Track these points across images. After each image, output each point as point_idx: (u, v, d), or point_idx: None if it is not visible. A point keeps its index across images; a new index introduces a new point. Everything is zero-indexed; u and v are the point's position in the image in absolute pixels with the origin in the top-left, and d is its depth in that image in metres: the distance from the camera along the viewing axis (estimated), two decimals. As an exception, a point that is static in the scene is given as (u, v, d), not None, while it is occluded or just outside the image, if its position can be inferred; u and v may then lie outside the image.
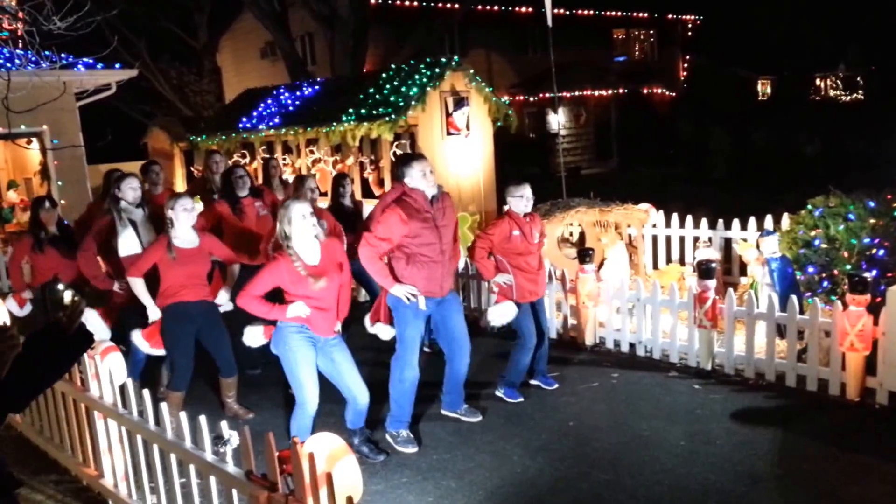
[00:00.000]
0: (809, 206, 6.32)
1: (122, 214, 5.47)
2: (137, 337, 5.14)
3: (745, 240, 7.65)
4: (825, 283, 5.99)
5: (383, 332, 5.08)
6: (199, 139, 14.19)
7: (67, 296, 2.33)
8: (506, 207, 5.51)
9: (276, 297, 4.40)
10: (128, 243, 5.46)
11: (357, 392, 4.53)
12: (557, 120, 21.16)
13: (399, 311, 4.89)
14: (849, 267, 5.84)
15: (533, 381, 5.82)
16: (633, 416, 5.20)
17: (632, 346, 6.52)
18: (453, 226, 4.98)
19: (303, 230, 4.23)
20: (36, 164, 13.13)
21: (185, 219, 4.99)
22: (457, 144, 11.15)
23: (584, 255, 6.66)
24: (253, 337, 4.64)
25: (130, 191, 5.55)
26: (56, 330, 2.25)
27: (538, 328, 5.61)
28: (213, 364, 5.39)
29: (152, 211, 5.71)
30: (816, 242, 6.09)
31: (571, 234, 8.75)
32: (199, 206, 5.24)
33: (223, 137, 13.50)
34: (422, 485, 4.41)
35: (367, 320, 5.18)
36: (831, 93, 34.28)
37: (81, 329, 2.33)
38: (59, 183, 11.89)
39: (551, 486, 4.32)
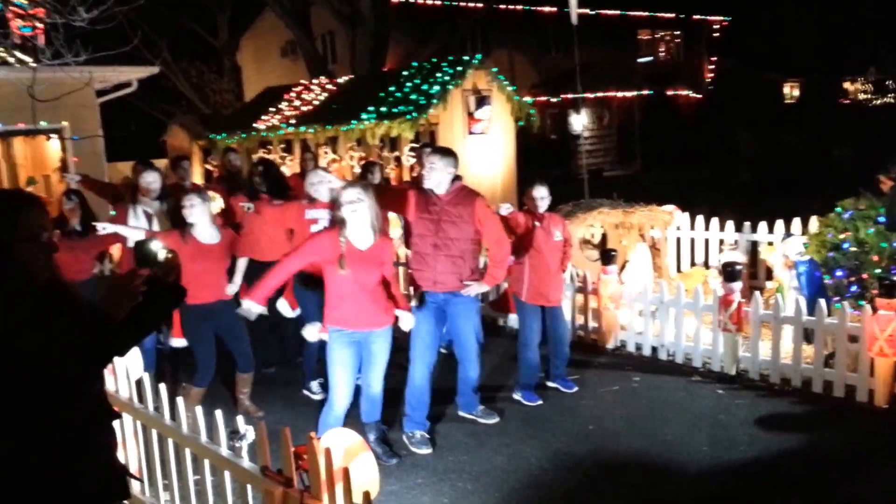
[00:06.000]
0: (839, 209, 6.16)
1: (137, 207, 5.53)
2: (175, 341, 5.28)
3: (770, 244, 7.51)
4: (854, 287, 5.84)
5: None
6: (218, 137, 14.24)
7: (162, 253, 2.43)
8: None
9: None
10: (137, 235, 5.45)
11: (372, 381, 4.58)
12: (580, 121, 21.01)
13: (413, 311, 4.88)
14: (878, 271, 5.69)
15: (551, 384, 5.73)
16: (654, 420, 5.10)
17: (654, 349, 6.41)
18: (464, 225, 4.78)
19: (351, 219, 4.29)
20: (55, 161, 13.20)
21: (196, 214, 4.98)
22: (478, 143, 11.09)
23: (606, 256, 6.57)
24: (310, 333, 4.76)
25: (151, 185, 5.60)
26: (156, 284, 2.38)
27: (554, 333, 5.57)
28: (227, 362, 5.37)
29: (174, 205, 5.73)
30: (845, 246, 5.94)
31: (593, 236, 8.65)
32: (203, 204, 5.21)
33: (242, 136, 13.53)
34: (437, 486, 4.34)
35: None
36: (860, 96, 33.78)
37: (176, 284, 2.47)
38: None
39: (568, 490, 4.23)
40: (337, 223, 4.39)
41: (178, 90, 23.06)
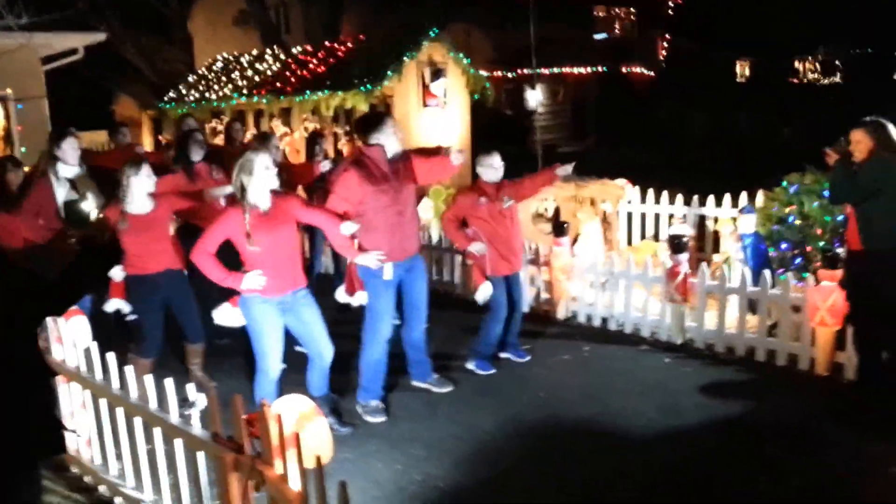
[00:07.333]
0: (785, 183, 6.33)
1: (59, 174, 5.35)
2: (112, 303, 5.12)
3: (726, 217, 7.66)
4: (798, 260, 6.02)
5: (363, 299, 5.04)
6: (168, 107, 13.93)
7: (93, 214, 2.42)
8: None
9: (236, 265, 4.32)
10: (88, 207, 5.32)
11: (323, 348, 4.50)
12: (535, 97, 21.05)
13: (369, 282, 4.83)
14: (822, 243, 5.87)
15: (504, 354, 5.79)
16: (603, 388, 5.21)
17: (604, 320, 6.52)
18: (413, 186, 4.90)
19: (263, 181, 4.17)
20: (-1, 129, 12.77)
21: (145, 185, 4.81)
22: (433, 116, 11.05)
23: (559, 228, 6.64)
24: (224, 316, 4.53)
25: (71, 150, 5.44)
26: (90, 244, 2.34)
27: (511, 300, 5.60)
28: (180, 332, 5.31)
29: (95, 169, 5.61)
30: (791, 219, 6.11)
31: (546, 210, 8.72)
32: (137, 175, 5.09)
33: (193, 105, 13.26)
34: (391, 454, 4.38)
35: (340, 292, 5.11)
36: (810, 76, 34.58)
37: (111, 243, 2.42)
38: (23, 149, 11.56)
39: (520, 457, 4.31)
40: (239, 194, 4.19)
41: (127, 59, 22.38)
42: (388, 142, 4.75)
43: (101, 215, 2.48)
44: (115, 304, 5.20)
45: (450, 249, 7.69)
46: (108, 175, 5.64)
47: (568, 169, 5.45)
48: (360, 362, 4.95)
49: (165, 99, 14.48)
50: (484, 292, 5.41)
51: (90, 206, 2.46)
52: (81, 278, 2.41)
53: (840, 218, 5.87)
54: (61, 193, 5.37)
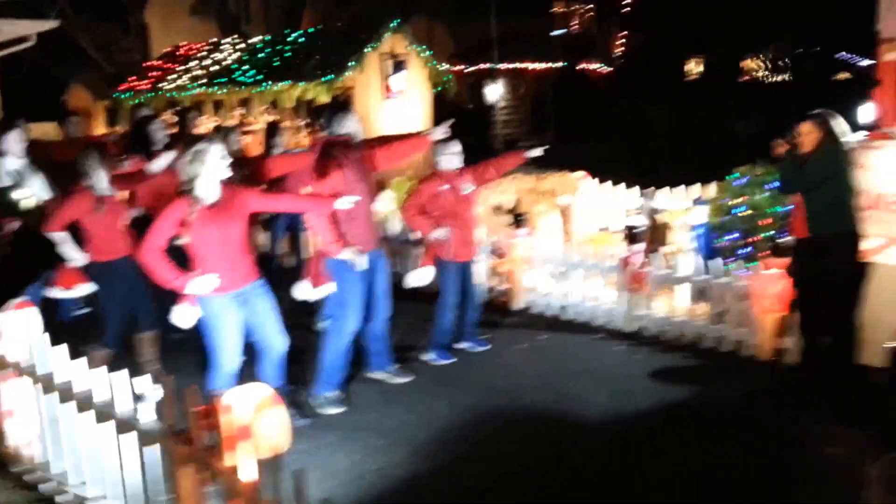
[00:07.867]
0: (736, 175, 6.49)
1: (4, 167, 5.26)
2: (53, 291, 5.01)
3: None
4: (747, 249, 6.18)
5: (327, 290, 5.01)
6: (123, 97, 13.68)
7: (24, 202, 2.33)
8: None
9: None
10: (20, 195, 5.25)
11: (276, 340, 4.41)
12: (496, 91, 21.12)
13: (342, 274, 4.79)
14: (770, 233, 6.04)
15: (462, 344, 5.83)
16: (559, 375, 5.30)
17: (561, 309, 6.62)
18: (369, 170, 4.92)
19: (216, 171, 4.07)
20: (-53, 118, 12.40)
21: (110, 167, 4.84)
22: (395, 108, 11.04)
23: (518, 218, 6.73)
24: (182, 316, 4.35)
25: (16, 143, 5.34)
26: (25, 234, 2.26)
27: (466, 291, 5.65)
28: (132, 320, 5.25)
29: (44, 159, 5.53)
30: (740, 210, 6.27)
31: (508, 202, 8.78)
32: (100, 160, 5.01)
33: (150, 94, 13.06)
34: (349, 444, 4.40)
35: (305, 288, 5.07)
36: (759, 74, 35.27)
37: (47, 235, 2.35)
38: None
39: (478, 443, 4.37)
40: (186, 185, 4.06)
41: (81, 48, 21.86)
42: (356, 130, 4.77)
43: (30, 205, 2.38)
44: (85, 289, 5.12)
45: (410, 242, 7.70)
46: (57, 167, 5.56)
47: (539, 151, 5.56)
48: (323, 353, 4.92)
49: (121, 89, 14.21)
50: (420, 277, 5.47)
51: (23, 194, 2.36)
52: (18, 268, 2.34)
53: (787, 208, 6.03)
54: (5, 182, 5.28)
